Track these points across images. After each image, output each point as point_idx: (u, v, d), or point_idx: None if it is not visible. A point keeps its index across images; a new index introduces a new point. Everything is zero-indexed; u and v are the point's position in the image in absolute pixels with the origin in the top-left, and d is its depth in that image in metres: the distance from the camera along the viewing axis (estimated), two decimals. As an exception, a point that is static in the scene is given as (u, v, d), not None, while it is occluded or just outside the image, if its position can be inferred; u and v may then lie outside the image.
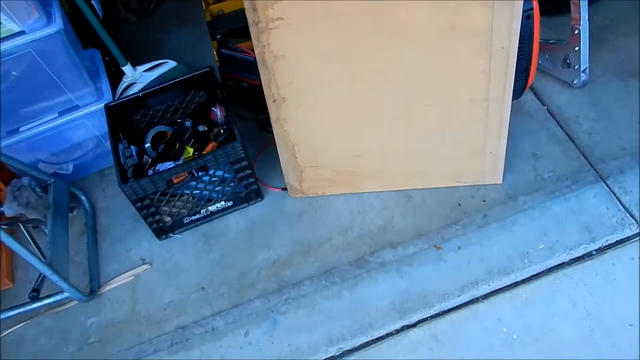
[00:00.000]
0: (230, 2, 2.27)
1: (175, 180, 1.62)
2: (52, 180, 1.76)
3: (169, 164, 1.72)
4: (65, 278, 1.57)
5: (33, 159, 1.86)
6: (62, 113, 1.80)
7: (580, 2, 1.73)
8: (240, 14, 2.13)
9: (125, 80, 1.97)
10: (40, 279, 1.59)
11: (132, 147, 1.79)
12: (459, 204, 1.68)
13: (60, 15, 1.62)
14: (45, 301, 1.60)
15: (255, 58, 1.84)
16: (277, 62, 1.45)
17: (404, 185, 1.73)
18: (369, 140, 1.61)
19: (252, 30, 1.41)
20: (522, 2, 1.33)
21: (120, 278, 1.74)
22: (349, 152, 1.64)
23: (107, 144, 1.90)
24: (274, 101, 1.53)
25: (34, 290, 1.58)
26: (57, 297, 1.61)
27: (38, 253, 1.57)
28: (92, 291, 1.70)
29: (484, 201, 1.67)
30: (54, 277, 1.53)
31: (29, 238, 1.63)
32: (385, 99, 1.52)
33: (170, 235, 1.76)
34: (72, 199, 1.86)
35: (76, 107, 1.81)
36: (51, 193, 1.72)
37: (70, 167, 1.92)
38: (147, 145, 1.79)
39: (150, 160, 1.78)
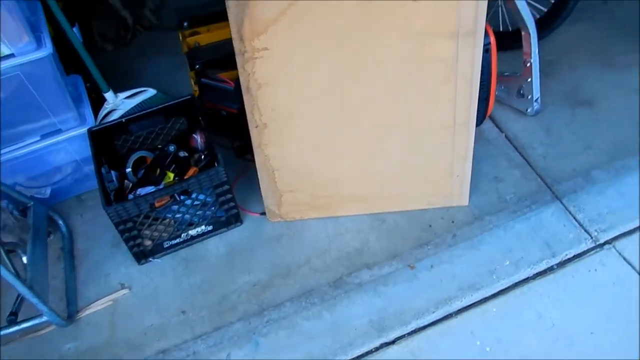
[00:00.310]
0: (206, 35, 2.37)
1: (157, 204, 1.66)
2: (32, 203, 1.76)
3: (149, 189, 1.76)
4: (45, 301, 1.56)
5: (11, 182, 1.86)
6: (44, 136, 1.82)
7: (531, 38, 1.90)
8: (216, 46, 2.25)
9: (107, 106, 2.01)
10: (18, 302, 1.58)
11: (112, 172, 1.82)
12: (430, 225, 1.78)
13: (49, 40, 1.66)
14: (23, 325, 1.59)
15: (234, 87, 1.95)
16: (260, 90, 1.54)
17: (377, 208, 1.82)
18: (345, 164, 1.71)
19: (238, 59, 1.49)
20: (482, 36, 1.48)
21: (98, 303, 1.74)
22: (326, 177, 1.73)
23: (86, 168, 1.94)
24: (256, 127, 1.61)
25: (11, 313, 1.57)
26: (36, 321, 1.59)
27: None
28: (70, 316, 1.69)
29: (452, 222, 1.79)
30: (34, 300, 1.52)
31: (6, 261, 1.62)
32: (361, 125, 1.62)
33: (150, 259, 1.78)
34: (49, 223, 1.86)
35: (59, 131, 1.83)
36: (31, 216, 1.72)
37: (48, 191, 1.93)
38: (129, 170, 1.83)
39: (130, 185, 1.82)
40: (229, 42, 2.25)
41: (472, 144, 1.67)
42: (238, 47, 1.48)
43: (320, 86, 1.54)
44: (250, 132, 1.62)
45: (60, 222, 1.89)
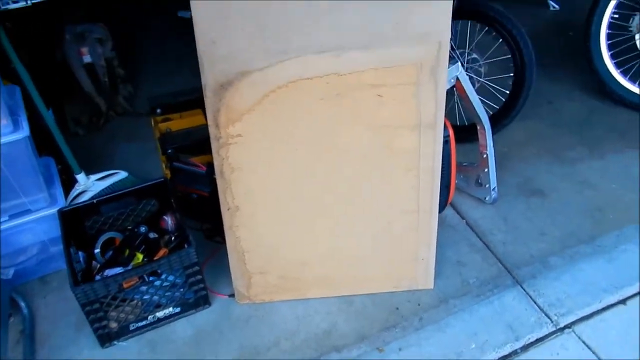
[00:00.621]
0: (178, 122, 2.46)
1: (126, 285, 1.64)
2: (-6, 285, 1.72)
3: (117, 270, 1.74)
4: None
5: (-27, 263, 1.82)
6: (12, 216, 1.81)
7: (486, 132, 2.06)
8: (188, 132, 2.34)
9: (78, 187, 2.02)
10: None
11: (80, 252, 1.81)
12: (397, 308, 1.81)
13: (26, 123, 1.71)
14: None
15: (204, 171, 2.01)
16: (233, 174, 1.60)
17: (346, 291, 1.85)
18: (314, 247, 1.75)
19: (213, 144, 1.56)
20: (442, 129, 1.60)
21: (56, 390, 1.66)
22: (296, 259, 1.76)
23: (53, 249, 1.92)
24: (228, 209, 1.66)
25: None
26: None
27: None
28: (25, 405, 1.61)
29: (419, 305, 1.82)
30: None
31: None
32: (329, 210, 1.69)
33: (115, 342, 1.73)
34: (10, 305, 1.80)
35: (28, 211, 1.82)
36: (-8, 298, 1.67)
37: (11, 272, 1.88)
38: (97, 250, 1.82)
39: (98, 266, 1.80)
40: (200, 129, 2.37)
41: (436, 230, 1.75)
42: (213, 133, 1.56)
43: (290, 172, 1.62)
44: (222, 215, 1.67)
45: (23, 304, 1.83)
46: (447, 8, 1.42)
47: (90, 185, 2.05)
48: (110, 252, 1.84)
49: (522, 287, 1.86)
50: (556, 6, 3.66)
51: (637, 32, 2.60)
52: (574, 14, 3.49)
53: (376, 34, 1.44)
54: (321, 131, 1.56)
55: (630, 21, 2.61)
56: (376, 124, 1.56)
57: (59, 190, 1.92)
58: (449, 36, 1.46)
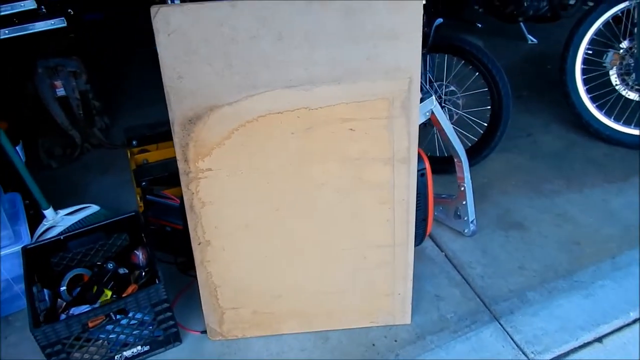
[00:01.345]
0: (154, 153, 2.44)
1: (91, 324, 1.58)
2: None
3: (84, 308, 1.69)
4: None
5: None
6: (-26, 255, 1.75)
7: (463, 165, 2.06)
8: (164, 164, 2.31)
9: (46, 223, 1.98)
10: None
11: (45, 290, 1.75)
12: (373, 344, 1.77)
13: (-9, 160, 1.67)
14: None
15: (179, 204, 1.98)
16: (204, 208, 1.57)
17: (320, 326, 1.80)
18: (288, 280, 1.71)
19: (183, 178, 1.54)
20: (416, 162, 1.59)
21: None
22: (269, 293, 1.72)
23: (17, 288, 1.86)
24: (199, 244, 1.62)
25: None
26: None
27: None
28: None
29: (395, 341, 1.78)
30: None
31: None
32: (303, 242, 1.66)
33: (79, 385, 1.67)
34: (-31, 347, 1.73)
35: (-10, 250, 1.77)
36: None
37: (-27, 312, 1.82)
38: (63, 288, 1.77)
39: (64, 303, 1.74)
40: (175, 160, 2.33)
41: (412, 263, 1.72)
42: (182, 168, 1.53)
43: (262, 205, 1.59)
44: (193, 249, 1.63)
45: (-18, 344, 1.76)
46: (417, 45, 1.42)
47: (58, 220, 2.01)
48: (78, 289, 1.79)
49: (499, 323, 1.82)
50: (534, 40, 3.72)
51: (611, 68, 2.64)
52: (551, 47, 3.54)
53: (347, 69, 1.43)
54: (293, 165, 1.54)
55: (604, 57, 2.64)
56: (349, 158, 1.55)
57: (23, 227, 1.88)
58: (419, 71, 1.46)
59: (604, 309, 1.85)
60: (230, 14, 1.33)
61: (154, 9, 1.30)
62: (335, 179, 1.57)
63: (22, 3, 1.65)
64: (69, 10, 1.70)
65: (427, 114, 1.86)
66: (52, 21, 1.71)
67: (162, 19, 1.32)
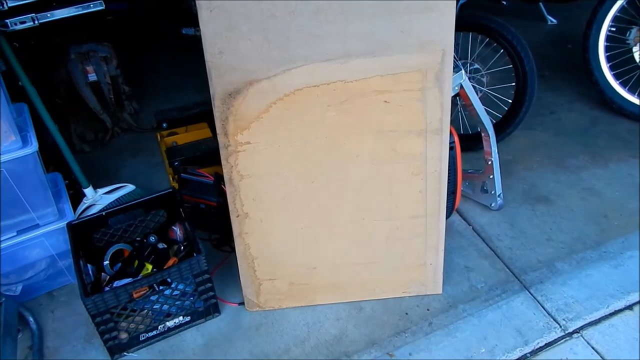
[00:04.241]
0: (183, 135, 2.50)
1: (136, 295, 1.64)
2: (2, 300, 1.72)
3: (126, 281, 1.75)
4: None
5: (-18, 279, 1.82)
6: (20, 232, 1.81)
7: (490, 139, 2.09)
8: (194, 145, 2.37)
9: (86, 201, 2.04)
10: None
11: (88, 265, 1.81)
12: (406, 313, 1.82)
13: (35, 139, 1.73)
14: None
15: (213, 181, 2.03)
16: (242, 181, 1.62)
17: (355, 296, 1.85)
18: (323, 252, 1.76)
19: (222, 152, 1.58)
20: (448, 134, 1.63)
21: (67, 403, 1.65)
22: (305, 265, 1.77)
23: (61, 263, 1.93)
24: (237, 216, 1.67)
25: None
26: None
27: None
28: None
29: (428, 310, 1.82)
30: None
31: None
32: (338, 214, 1.70)
33: (125, 354, 1.73)
34: (18, 320, 1.79)
35: (36, 226, 1.83)
36: (2, 313, 1.67)
37: (19, 288, 1.88)
38: (106, 262, 1.83)
39: (107, 278, 1.81)
40: (205, 141, 2.40)
41: (443, 234, 1.76)
42: (222, 142, 1.58)
43: (298, 178, 1.64)
44: (232, 222, 1.68)
45: (31, 319, 1.83)
46: (451, 17, 1.46)
47: (97, 199, 2.07)
48: (119, 264, 1.85)
49: (529, 292, 1.86)
50: (554, 20, 3.72)
51: (635, 45, 2.64)
52: (571, 28, 3.55)
53: (381, 42, 1.47)
54: (328, 137, 1.59)
55: (628, 34, 2.65)
56: (383, 130, 1.59)
57: (67, 205, 1.93)
58: (453, 44, 1.49)
59: (634, 278, 1.88)
60: (270, -12, 1.38)
61: (198, -14, 1.35)
62: (370, 150, 1.62)
63: (62, -14, 1.71)
64: (106, -7, 1.75)
65: (457, 87, 1.90)
66: (91, 4, 1.76)
67: (205, -5, 1.36)
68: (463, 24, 2.34)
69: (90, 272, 1.82)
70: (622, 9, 2.60)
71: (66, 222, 1.82)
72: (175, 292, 1.70)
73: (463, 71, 1.89)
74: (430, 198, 1.70)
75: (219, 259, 2.02)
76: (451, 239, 2.05)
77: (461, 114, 2.45)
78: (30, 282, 1.92)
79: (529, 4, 3.25)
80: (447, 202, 1.77)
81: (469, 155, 2.25)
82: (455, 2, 1.44)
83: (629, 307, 1.81)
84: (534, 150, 2.54)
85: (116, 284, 1.76)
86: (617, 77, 2.65)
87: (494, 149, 2.09)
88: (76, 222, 1.83)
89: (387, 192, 1.68)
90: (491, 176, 2.13)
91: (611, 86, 2.67)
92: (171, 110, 2.59)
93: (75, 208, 2.02)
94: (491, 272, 1.95)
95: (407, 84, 1.53)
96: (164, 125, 2.47)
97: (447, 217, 1.99)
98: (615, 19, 2.62)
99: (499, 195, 2.16)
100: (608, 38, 2.64)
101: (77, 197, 2.08)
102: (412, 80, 1.53)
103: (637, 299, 1.83)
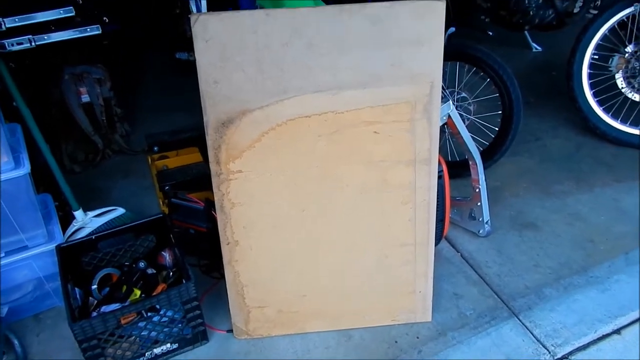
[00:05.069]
0: (174, 159, 2.51)
1: (123, 321, 1.64)
2: (-11, 323, 1.70)
3: (114, 306, 1.74)
4: None
5: (-33, 300, 1.80)
6: (9, 253, 1.80)
7: (478, 167, 2.12)
8: (183, 170, 2.38)
9: (75, 224, 2.03)
10: None
11: (76, 289, 1.80)
12: (396, 341, 1.82)
13: (27, 160, 1.73)
14: None
15: (203, 207, 2.04)
16: (233, 209, 1.63)
17: (344, 324, 1.85)
18: (313, 280, 1.77)
19: (214, 180, 1.59)
20: (437, 164, 1.65)
21: None
22: (295, 292, 1.77)
23: (48, 286, 1.91)
24: (227, 244, 1.68)
25: None
26: None
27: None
28: None
29: (417, 338, 1.83)
30: None
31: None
32: (328, 242, 1.72)
33: (111, 381, 1.71)
34: (3, 343, 1.77)
35: (24, 248, 1.82)
36: (-14, 337, 1.65)
37: (5, 310, 1.85)
38: (94, 287, 1.82)
39: (95, 302, 1.79)
40: (196, 166, 2.41)
41: (432, 262, 1.78)
42: (214, 170, 1.59)
43: (289, 206, 1.65)
44: (222, 249, 1.68)
45: (16, 342, 1.81)
46: (439, 51, 1.50)
47: (87, 222, 2.06)
48: (107, 289, 1.84)
49: (518, 319, 1.88)
50: (539, 48, 3.81)
51: (617, 72, 2.71)
52: (555, 55, 3.64)
53: (372, 75, 1.50)
54: (319, 167, 1.61)
55: (610, 61, 2.73)
56: (373, 160, 1.61)
57: (56, 227, 1.93)
58: (441, 76, 1.53)
59: (621, 302, 1.91)
60: (264, 22, 1.41)
61: (193, 17, 1.37)
62: (360, 180, 1.64)
63: (60, 10, 1.72)
64: (105, 19, 1.76)
65: (445, 117, 1.93)
66: (88, 28, 1.78)
67: (201, 26, 1.39)
68: (450, 53, 2.38)
69: (78, 295, 1.81)
70: (604, 37, 2.68)
71: (55, 245, 1.81)
72: (164, 319, 1.69)
73: (451, 101, 1.93)
74: (420, 226, 1.72)
75: (208, 284, 2.01)
76: (440, 266, 2.07)
77: (449, 141, 2.49)
78: (16, 304, 1.90)
79: (514, 32, 3.32)
80: (435, 230, 1.79)
81: (457, 182, 2.28)
82: (443, 36, 1.47)
83: (617, 332, 1.84)
84: (521, 176, 2.58)
85: (104, 309, 1.75)
86: (600, 103, 2.72)
87: (482, 176, 2.13)
88: (65, 245, 1.82)
89: (377, 221, 1.70)
90: (479, 203, 2.16)
91: (595, 112, 2.73)
92: (162, 134, 2.60)
93: (64, 230, 2.01)
94: (480, 299, 1.96)
95: (397, 115, 1.56)
96: (155, 148, 2.48)
97: (435, 245, 2.00)
98: (598, 46, 2.70)
99: (486, 222, 2.19)
100: (591, 65, 2.72)
101: (66, 219, 2.07)
102: (402, 111, 1.56)
103: (625, 323, 1.86)
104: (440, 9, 1.45)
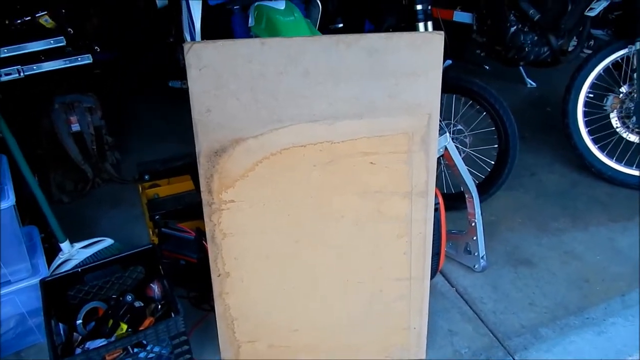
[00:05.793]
0: (165, 188, 2.47)
1: (108, 358, 1.57)
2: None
3: (99, 342, 1.68)
4: None
5: (-55, 337, 1.73)
6: (-10, 288, 1.74)
7: (474, 200, 2.10)
8: (175, 199, 2.34)
9: (61, 256, 1.98)
10: None
11: (60, 324, 1.74)
12: (389, 380, 1.76)
13: (12, 192, 1.69)
14: None
15: (194, 237, 1.99)
16: (225, 239, 1.58)
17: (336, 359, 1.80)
18: (305, 314, 1.71)
19: (205, 210, 1.55)
20: (433, 197, 1.63)
21: None
22: (286, 327, 1.72)
23: (30, 322, 1.84)
24: (218, 276, 1.63)
25: None
26: None
27: None
28: None
29: (411, 376, 1.77)
30: None
31: None
32: (321, 275, 1.67)
33: (92, 420, 1.63)
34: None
35: (7, 283, 1.76)
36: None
37: (-16, 347, 1.79)
38: (79, 322, 1.76)
39: (80, 338, 1.73)
40: (187, 194, 2.37)
41: (428, 298, 1.74)
42: (206, 199, 1.55)
43: (282, 237, 1.61)
44: (212, 281, 1.63)
45: (-6, 379, 1.74)
46: (437, 82, 1.49)
47: (74, 254, 2.01)
48: (93, 323, 1.78)
49: (514, 359, 1.82)
50: (533, 83, 3.85)
51: (612, 111, 2.73)
52: (549, 91, 3.67)
53: (369, 105, 1.49)
54: (313, 197, 1.57)
55: (605, 101, 2.74)
56: (368, 191, 1.58)
57: (41, 259, 1.87)
58: (438, 108, 1.52)
59: (617, 346, 1.86)
60: (259, 50, 1.39)
61: (187, 45, 1.36)
62: (355, 211, 1.60)
63: (51, 40, 1.71)
64: (96, 48, 1.76)
65: (441, 149, 1.92)
66: (79, 57, 1.76)
67: (194, 55, 1.37)
68: (447, 86, 2.39)
69: (62, 331, 1.75)
70: (599, 77, 2.70)
71: (39, 279, 1.75)
72: (151, 355, 1.63)
73: (448, 134, 1.92)
74: (415, 261, 1.68)
75: (197, 317, 1.95)
76: (434, 301, 2.02)
77: (444, 173, 2.48)
78: (-3, 341, 1.83)
79: (509, 67, 3.36)
80: (431, 264, 1.76)
81: (452, 215, 2.25)
82: (441, 68, 1.47)
83: (613, 376, 1.79)
84: (516, 211, 2.56)
85: (89, 345, 1.68)
86: (595, 141, 2.72)
87: (478, 210, 2.10)
88: (50, 278, 1.76)
89: (372, 254, 1.66)
90: (475, 237, 2.13)
91: (590, 150, 2.73)
92: (153, 162, 2.56)
93: (50, 262, 1.96)
94: (475, 337, 1.91)
95: (394, 146, 1.54)
96: (146, 177, 2.44)
97: (431, 278, 1.96)
98: (593, 85, 2.72)
99: (482, 257, 2.15)
100: (586, 104, 2.73)
101: (52, 251, 2.02)
102: (399, 142, 1.54)
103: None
104: (439, 41, 1.45)
